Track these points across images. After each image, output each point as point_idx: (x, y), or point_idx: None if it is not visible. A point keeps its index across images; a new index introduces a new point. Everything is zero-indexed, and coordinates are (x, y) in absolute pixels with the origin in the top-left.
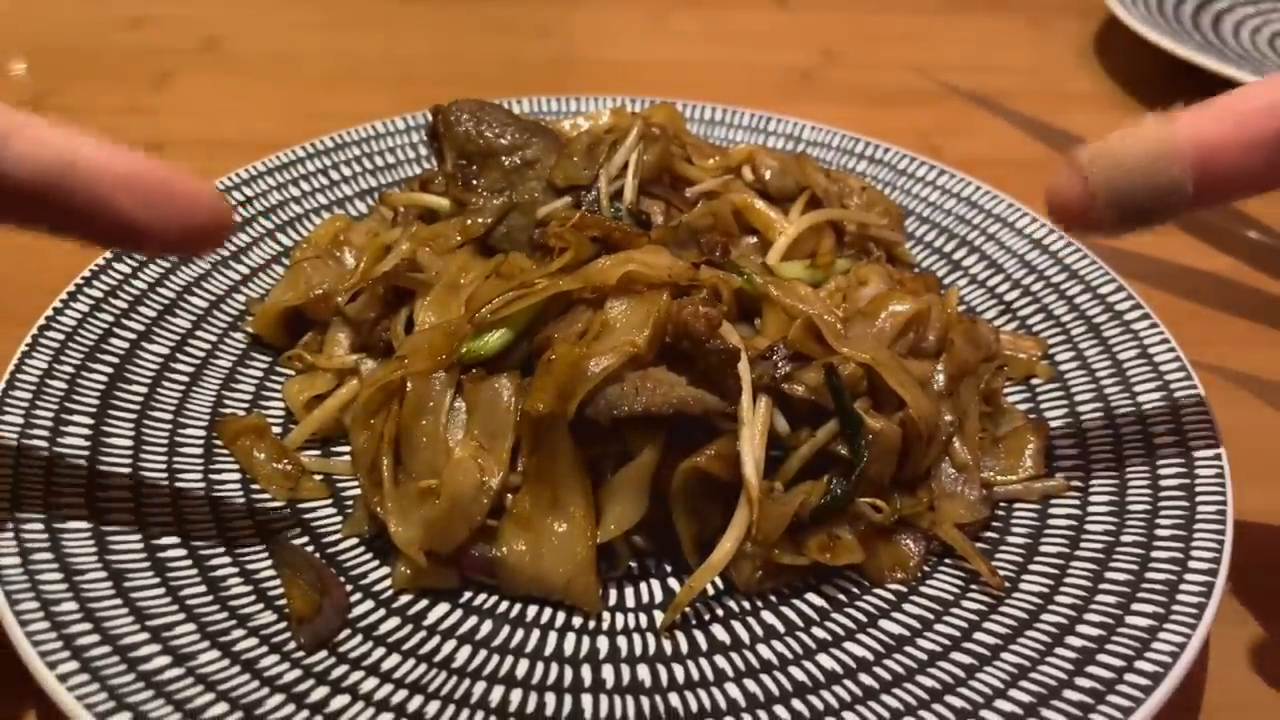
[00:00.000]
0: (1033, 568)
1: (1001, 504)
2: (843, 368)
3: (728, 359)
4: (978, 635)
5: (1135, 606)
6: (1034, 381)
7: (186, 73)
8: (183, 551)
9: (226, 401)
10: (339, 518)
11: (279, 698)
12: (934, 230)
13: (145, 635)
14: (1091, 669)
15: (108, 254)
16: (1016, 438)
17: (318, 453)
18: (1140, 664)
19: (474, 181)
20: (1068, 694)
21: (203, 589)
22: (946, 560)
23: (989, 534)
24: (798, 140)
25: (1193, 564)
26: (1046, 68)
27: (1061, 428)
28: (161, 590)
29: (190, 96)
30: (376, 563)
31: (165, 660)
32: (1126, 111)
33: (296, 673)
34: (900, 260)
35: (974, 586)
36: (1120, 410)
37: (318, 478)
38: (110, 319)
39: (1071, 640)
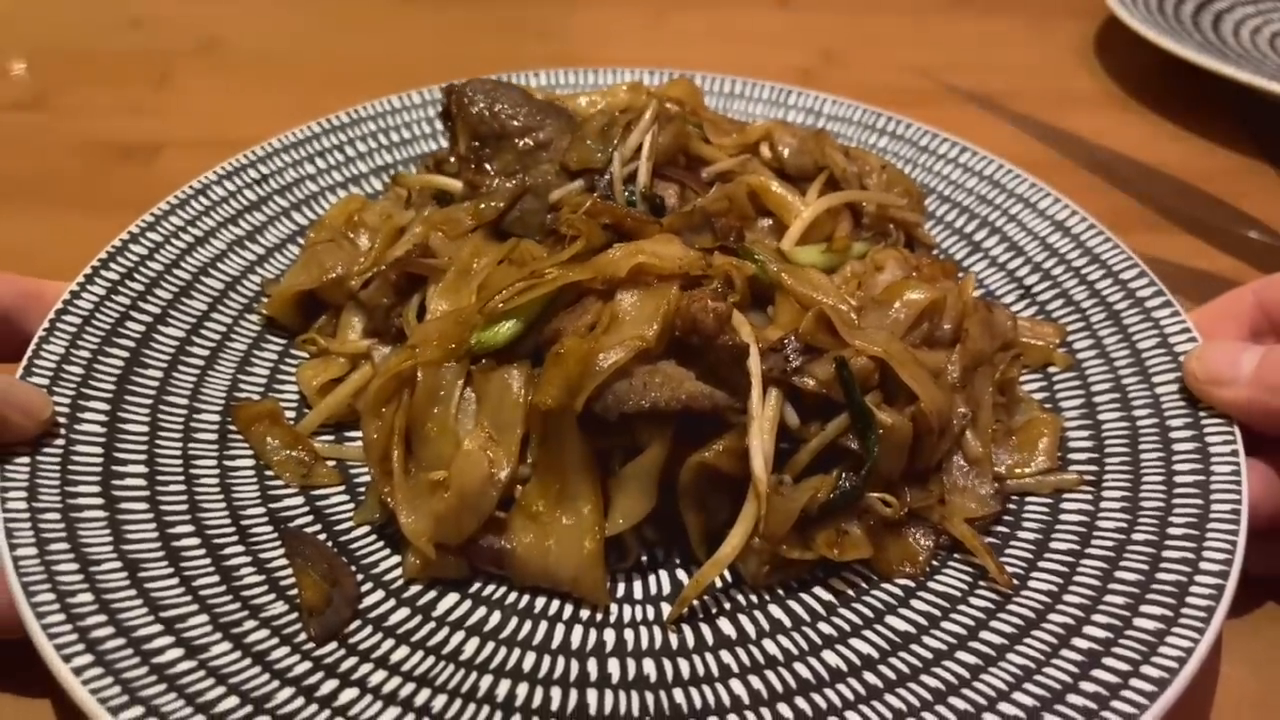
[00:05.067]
0: (1042, 564)
1: (1014, 496)
2: (855, 360)
3: (737, 355)
4: (984, 634)
5: (1144, 609)
6: (1051, 369)
7: (186, 73)
8: (196, 540)
9: (242, 385)
10: (351, 504)
11: (289, 690)
12: (955, 210)
13: (159, 627)
14: (1097, 673)
15: (124, 235)
16: (1030, 430)
17: (331, 438)
18: (1146, 669)
19: (487, 165)
20: (1071, 698)
21: (216, 579)
22: (956, 555)
23: (999, 528)
24: (817, 115)
25: (1204, 564)
26: (1046, 68)
27: (1076, 417)
28: (175, 580)
29: (190, 96)
30: (388, 551)
31: (178, 653)
32: (1126, 111)
33: (306, 665)
34: (920, 242)
35: (982, 583)
36: (1137, 401)
37: (330, 463)
38: (126, 302)
39: (1078, 643)
